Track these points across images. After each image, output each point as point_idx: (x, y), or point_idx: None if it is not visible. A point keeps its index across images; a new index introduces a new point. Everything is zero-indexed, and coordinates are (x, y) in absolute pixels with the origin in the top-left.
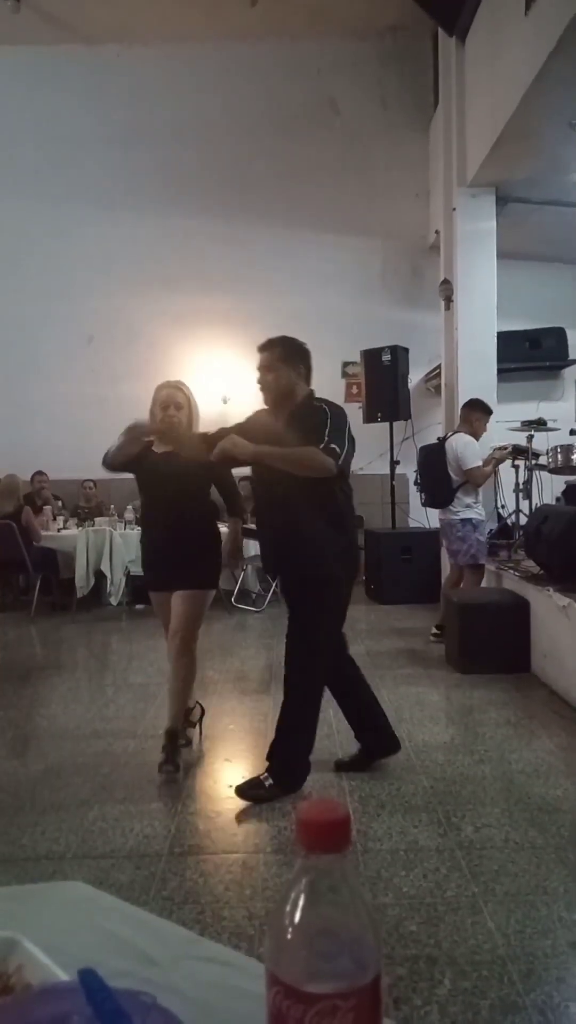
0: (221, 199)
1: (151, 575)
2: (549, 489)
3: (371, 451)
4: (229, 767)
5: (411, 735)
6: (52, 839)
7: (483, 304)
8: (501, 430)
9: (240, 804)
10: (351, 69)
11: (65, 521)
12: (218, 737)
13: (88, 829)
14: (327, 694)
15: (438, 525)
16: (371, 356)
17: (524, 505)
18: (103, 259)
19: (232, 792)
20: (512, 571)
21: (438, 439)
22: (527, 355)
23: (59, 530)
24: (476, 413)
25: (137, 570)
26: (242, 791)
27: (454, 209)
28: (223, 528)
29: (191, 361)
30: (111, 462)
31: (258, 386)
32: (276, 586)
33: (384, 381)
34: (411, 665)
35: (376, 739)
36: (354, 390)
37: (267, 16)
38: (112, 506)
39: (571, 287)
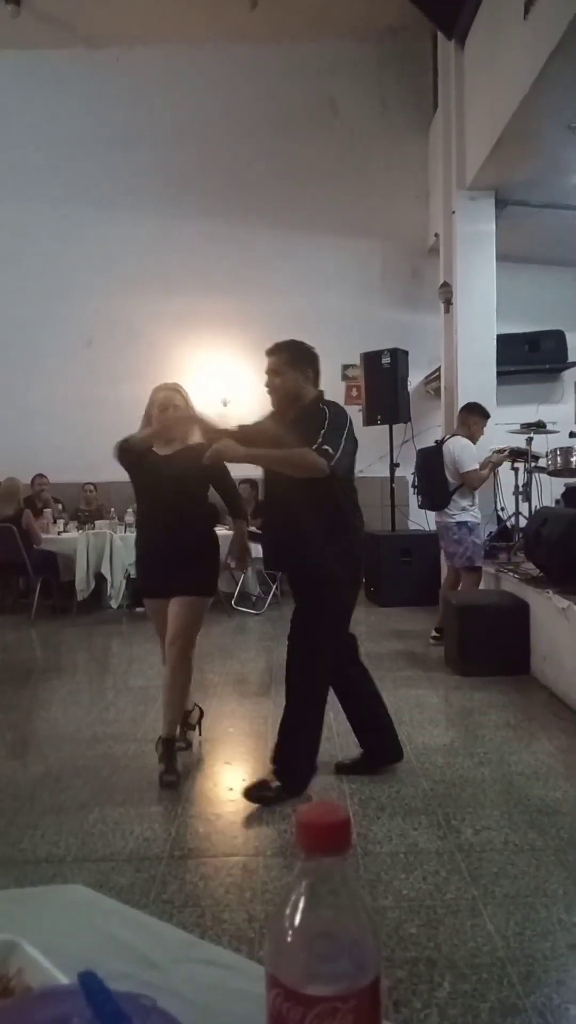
0: (221, 200)
1: (148, 581)
2: (549, 491)
3: (371, 454)
4: (229, 770)
5: (411, 737)
6: (52, 842)
7: (483, 307)
8: (501, 432)
9: (240, 806)
10: (351, 71)
11: (65, 524)
12: (218, 740)
13: (88, 832)
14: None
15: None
16: (371, 359)
17: (524, 507)
18: (103, 260)
19: (232, 795)
20: (512, 573)
21: (435, 442)
22: (526, 358)
23: (59, 533)
24: (474, 417)
25: None
26: (248, 793)
27: (453, 212)
28: (220, 532)
29: (191, 362)
30: (128, 446)
31: (266, 388)
32: (276, 588)
33: (384, 384)
34: (411, 667)
35: (378, 740)
36: (354, 393)
37: (267, 18)
38: (112, 509)
39: (571, 290)
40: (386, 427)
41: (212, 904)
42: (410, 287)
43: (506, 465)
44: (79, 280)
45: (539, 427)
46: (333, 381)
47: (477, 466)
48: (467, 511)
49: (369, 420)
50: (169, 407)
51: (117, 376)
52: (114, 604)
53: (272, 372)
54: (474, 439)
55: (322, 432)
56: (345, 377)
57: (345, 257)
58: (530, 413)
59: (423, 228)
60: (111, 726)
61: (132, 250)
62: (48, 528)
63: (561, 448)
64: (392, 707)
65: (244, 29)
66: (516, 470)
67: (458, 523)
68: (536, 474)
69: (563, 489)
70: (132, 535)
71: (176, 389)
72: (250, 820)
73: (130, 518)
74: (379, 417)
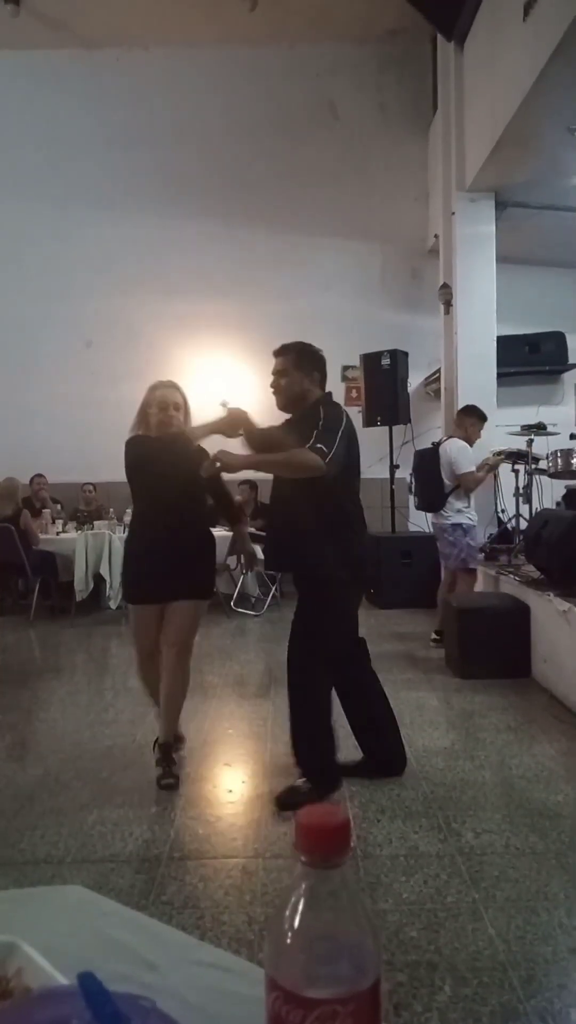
0: (221, 201)
1: (142, 585)
2: (549, 493)
3: (371, 455)
4: (228, 771)
5: (411, 740)
6: (51, 843)
7: (482, 308)
8: (501, 434)
9: (240, 808)
10: (350, 73)
11: (64, 524)
12: (217, 742)
13: (87, 833)
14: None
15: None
16: (370, 360)
17: (524, 509)
18: (103, 261)
19: (232, 797)
20: (512, 576)
21: (432, 444)
22: (527, 359)
23: (58, 533)
24: (471, 419)
25: None
26: (281, 801)
27: (453, 213)
28: (218, 533)
29: (191, 363)
30: (142, 437)
31: (270, 389)
32: (276, 590)
33: (384, 385)
34: (411, 670)
35: (377, 742)
36: (353, 394)
37: (267, 20)
38: (111, 509)
39: (571, 291)
40: (386, 428)
41: (211, 906)
42: (410, 288)
43: (507, 467)
44: (79, 280)
45: (539, 429)
46: (333, 382)
47: (473, 468)
48: (462, 513)
49: (369, 421)
50: (169, 405)
51: (117, 376)
52: (113, 605)
53: (278, 373)
54: (471, 441)
55: (315, 432)
56: (345, 378)
57: (345, 258)
58: (530, 415)
59: (423, 229)
60: (110, 727)
61: (132, 250)
62: (46, 528)
63: (561, 450)
64: (392, 709)
65: (244, 30)
66: (516, 472)
67: (453, 525)
68: (536, 476)
69: (564, 491)
70: None
71: (174, 387)
72: (250, 822)
73: (129, 519)
74: (379, 418)
